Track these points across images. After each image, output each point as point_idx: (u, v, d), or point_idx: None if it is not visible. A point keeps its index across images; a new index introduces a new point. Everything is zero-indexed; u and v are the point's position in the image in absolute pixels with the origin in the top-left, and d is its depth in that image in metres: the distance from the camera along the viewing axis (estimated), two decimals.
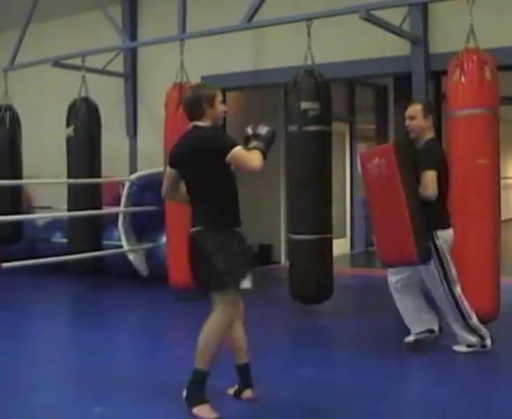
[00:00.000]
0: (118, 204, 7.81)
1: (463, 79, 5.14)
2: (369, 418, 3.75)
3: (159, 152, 6.98)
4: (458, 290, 4.74)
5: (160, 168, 7.05)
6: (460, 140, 5.21)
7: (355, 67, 7.20)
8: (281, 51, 7.47)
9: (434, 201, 4.64)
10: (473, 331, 4.77)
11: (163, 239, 7.27)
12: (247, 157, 3.64)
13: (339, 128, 9.83)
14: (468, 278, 4.95)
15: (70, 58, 7.93)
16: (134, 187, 7.90)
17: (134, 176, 8.04)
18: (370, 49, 6.95)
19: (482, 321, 4.90)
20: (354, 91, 10.61)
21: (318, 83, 5.97)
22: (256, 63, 7.82)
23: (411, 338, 4.91)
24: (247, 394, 3.91)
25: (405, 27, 6.69)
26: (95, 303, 7.13)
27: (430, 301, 4.98)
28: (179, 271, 6.77)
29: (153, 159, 7.49)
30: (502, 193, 5.52)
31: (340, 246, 9.75)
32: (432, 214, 4.62)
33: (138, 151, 8.85)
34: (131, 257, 7.67)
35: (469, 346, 4.78)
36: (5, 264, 6.60)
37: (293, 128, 5.98)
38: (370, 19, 5.84)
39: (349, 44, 7.12)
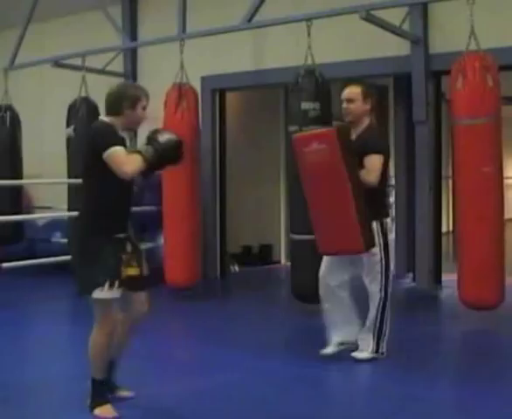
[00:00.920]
0: None
1: (466, 89, 5.21)
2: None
3: None
4: (389, 290, 4.58)
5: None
6: (464, 148, 5.34)
7: (355, 67, 7.20)
8: (281, 51, 7.47)
9: (380, 188, 4.48)
10: (380, 338, 4.57)
11: (163, 239, 7.27)
12: (120, 159, 3.49)
13: None
14: (474, 276, 5.09)
15: (70, 58, 7.93)
16: (135, 187, 7.88)
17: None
18: (370, 49, 6.95)
19: (487, 308, 5.13)
20: None
21: (318, 83, 5.97)
22: (256, 63, 7.82)
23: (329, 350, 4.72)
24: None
25: (405, 27, 6.70)
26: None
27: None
28: (176, 270, 6.80)
29: None
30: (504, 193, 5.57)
31: None
32: (378, 202, 4.49)
33: None
34: None
35: (373, 351, 4.58)
36: (5, 264, 6.60)
37: (293, 128, 5.97)
38: (370, 19, 5.84)
39: (349, 44, 7.11)
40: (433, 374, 4.48)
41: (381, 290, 4.53)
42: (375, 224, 4.47)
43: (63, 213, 7.84)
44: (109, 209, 3.66)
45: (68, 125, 7.65)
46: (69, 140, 7.65)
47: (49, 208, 8.67)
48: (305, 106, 5.90)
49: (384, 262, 4.53)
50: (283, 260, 9.37)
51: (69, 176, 7.62)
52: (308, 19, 5.96)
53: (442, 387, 4.22)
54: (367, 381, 4.44)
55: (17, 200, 8.17)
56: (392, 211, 10.43)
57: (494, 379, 4.43)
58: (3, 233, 8.03)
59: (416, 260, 7.22)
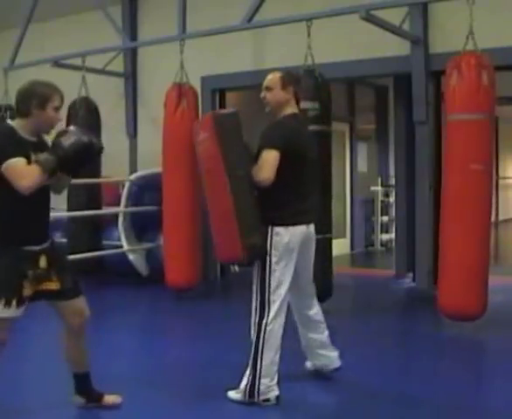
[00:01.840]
0: (118, 204, 7.82)
1: (460, 83, 5.15)
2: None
3: (159, 152, 6.98)
4: (271, 312, 3.80)
5: (160, 169, 7.07)
6: (454, 143, 5.24)
7: (355, 67, 7.20)
8: (281, 51, 7.46)
9: (276, 189, 3.76)
10: (257, 375, 3.80)
11: (163, 239, 7.27)
12: (16, 173, 3.19)
13: (339, 128, 9.83)
14: (459, 278, 5.02)
15: (70, 58, 7.93)
16: (134, 187, 7.90)
17: (134, 176, 8.04)
18: (370, 49, 6.95)
19: (470, 319, 4.95)
20: (354, 91, 10.61)
21: (318, 83, 5.97)
22: (256, 63, 7.82)
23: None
24: (77, 399, 3.80)
25: (405, 27, 6.69)
26: (95, 303, 7.08)
27: None
28: (176, 271, 6.79)
29: (153, 159, 7.48)
30: (502, 193, 5.55)
31: (340, 246, 9.75)
32: (271, 205, 3.80)
33: (138, 151, 8.85)
34: (131, 257, 7.68)
35: (243, 392, 3.84)
36: None
37: None
38: (370, 19, 5.84)
39: (349, 44, 7.11)
40: (433, 374, 4.48)
41: (254, 316, 3.86)
42: (268, 231, 3.81)
43: (63, 213, 7.84)
44: (14, 221, 3.34)
45: (68, 125, 7.63)
46: None
47: None
48: (305, 105, 5.88)
49: (259, 281, 3.82)
50: None
51: None
52: (308, 19, 5.96)
53: (442, 387, 4.22)
54: (365, 382, 4.43)
55: None
56: (392, 211, 10.46)
57: (493, 377, 4.44)
58: None
59: (416, 260, 7.23)
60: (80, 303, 3.67)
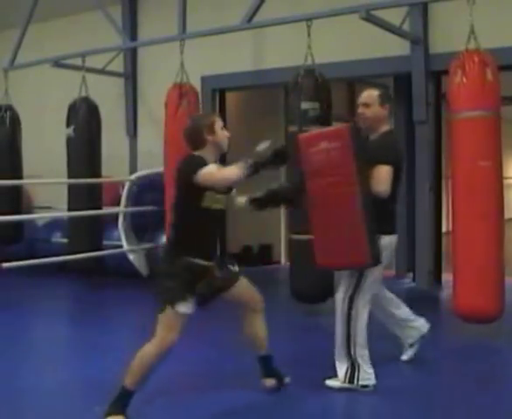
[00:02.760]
0: (118, 204, 7.82)
1: (465, 81, 5.12)
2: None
3: (159, 152, 6.98)
4: (360, 303, 4.06)
5: (160, 168, 7.07)
6: (461, 141, 5.19)
7: (355, 67, 7.21)
8: (281, 51, 7.47)
9: (383, 202, 4.01)
10: (354, 361, 4.07)
11: (163, 239, 7.27)
12: (217, 172, 3.65)
13: None
14: (472, 279, 4.96)
15: (70, 58, 7.93)
16: (134, 187, 7.90)
17: (134, 176, 8.04)
18: (370, 49, 6.95)
19: (486, 321, 4.82)
20: (354, 91, 10.60)
21: (318, 83, 5.97)
22: (256, 63, 7.82)
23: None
24: (268, 382, 4.03)
25: (405, 27, 6.69)
26: (95, 303, 7.13)
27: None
28: None
29: (153, 159, 7.49)
30: (504, 193, 5.52)
31: None
32: (380, 215, 3.96)
33: (138, 151, 8.85)
34: (131, 257, 7.68)
35: (347, 380, 4.07)
36: (5, 264, 6.60)
37: (293, 128, 5.98)
38: (370, 19, 5.84)
39: (349, 44, 7.12)
40: (433, 375, 4.48)
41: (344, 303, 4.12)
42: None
43: (63, 213, 7.85)
44: (194, 235, 3.73)
45: (68, 125, 7.64)
46: (69, 140, 7.64)
47: (49, 208, 8.67)
48: (305, 105, 5.89)
49: (356, 275, 4.07)
50: (283, 260, 9.38)
51: (69, 176, 7.62)
52: (308, 19, 5.96)
53: (442, 386, 4.22)
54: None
55: (17, 200, 8.17)
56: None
57: (494, 377, 4.44)
58: (4, 233, 8.03)
59: (416, 260, 7.23)
60: (244, 283, 3.95)
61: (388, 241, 4.10)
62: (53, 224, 8.55)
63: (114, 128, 8.42)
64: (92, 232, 7.59)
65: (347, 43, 7.12)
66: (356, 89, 10.57)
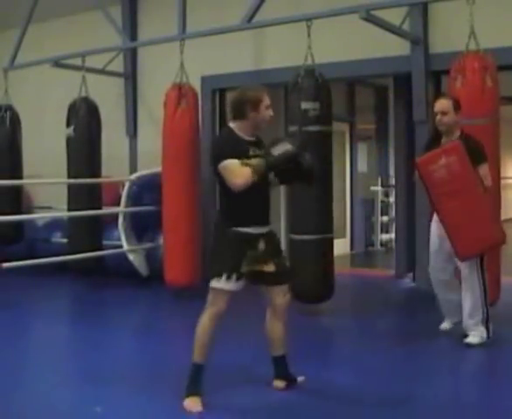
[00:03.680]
0: (118, 204, 7.82)
1: (465, 89, 5.18)
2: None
3: (159, 152, 6.98)
4: (486, 277, 4.92)
5: (160, 168, 7.07)
6: None
7: (355, 67, 7.21)
8: (281, 51, 7.47)
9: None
10: (487, 322, 4.94)
11: (163, 239, 7.27)
12: (231, 172, 3.67)
13: (339, 128, 9.82)
14: None
15: (70, 58, 7.93)
16: (134, 187, 7.90)
17: (134, 176, 8.04)
18: (370, 49, 6.95)
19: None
20: (354, 91, 10.61)
21: (318, 83, 5.97)
22: (256, 63, 7.82)
23: (446, 325, 5.33)
24: (278, 384, 4.07)
25: (405, 27, 6.69)
26: (95, 303, 7.13)
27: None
28: (175, 270, 6.80)
29: (153, 159, 7.49)
30: (503, 193, 5.55)
31: (340, 246, 9.74)
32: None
33: (138, 151, 8.85)
34: (131, 257, 7.68)
35: (486, 335, 4.94)
36: (5, 264, 6.60)
37: (293, 128, 5.98)
38: (370, 19, 5.84)
39: (349, 44, 7.12)
40: (433, 374, 4.48)
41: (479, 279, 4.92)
42: None
43: (63, 213, 7.85)
44: (240, 206, 3.80)
45: (68, 125, 7.64)
46: (69, 140, 7.64)
47: (49, 208, 8.67)
48: (305, 105, 5.89)
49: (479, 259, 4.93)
50: None
51: (69, 176, 7.62)
52: (308, 19, 5.96)
53: (441, 386, 4.22)
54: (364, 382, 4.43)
55: (17, 200, 8.17)
56: (392, 211, 10.47)
57: (495, 378, 4.43)
58: (4, 233, 8.04)
59: (416, 260, 7.23)
60: (284, 288, 4.03)
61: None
62: (53, 224, 8.55)
63: (113, 128, 8.42)
64: (92, 232, 7.59)
65: (347, 43, 7.12)
66: (357, 89, 10.61)
